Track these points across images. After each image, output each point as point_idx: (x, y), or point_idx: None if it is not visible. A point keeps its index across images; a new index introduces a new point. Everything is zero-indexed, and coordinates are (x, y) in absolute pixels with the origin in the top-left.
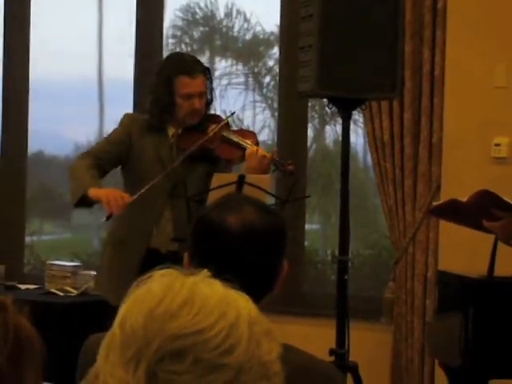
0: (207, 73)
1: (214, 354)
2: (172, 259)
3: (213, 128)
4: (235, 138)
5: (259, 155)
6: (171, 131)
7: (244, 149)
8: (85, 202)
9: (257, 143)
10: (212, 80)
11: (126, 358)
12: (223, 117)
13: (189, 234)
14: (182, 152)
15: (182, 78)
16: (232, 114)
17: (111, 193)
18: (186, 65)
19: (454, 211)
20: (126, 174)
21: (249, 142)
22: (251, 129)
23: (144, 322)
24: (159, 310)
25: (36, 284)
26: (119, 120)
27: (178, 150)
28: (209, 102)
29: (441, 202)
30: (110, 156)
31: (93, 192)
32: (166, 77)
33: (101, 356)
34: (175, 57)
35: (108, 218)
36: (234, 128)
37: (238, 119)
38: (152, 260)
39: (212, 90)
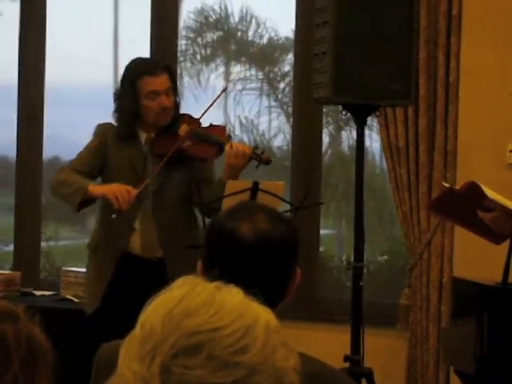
0: (170, 70)
1: (227, 352)
2: (158, 266)
3: (183, 128)
4: (207, 135)
5: (237, 151)
6: (143, 137)
7: (217, 145)
8: (85, 202)
9: (229, 136)
10: (176, 79)
11: (142, 353)
12: (193, 115)
13: (203, 241)
14: (156, 158)
15: (144, 78)
16: (224, 89)
17: (116, 188)
18: (147, 65)
19: (452, 205)
20: (103, 183)
21: (220, 137)
22: (266, 135)
23: (162, 321)
24: (178, 309)
25: (51, 290)
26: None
27: (153, 157)
28: (177, 102)
29: (438, 194)
30: (88, 169)
31: (94, 189)
32: (129, 81)
33: (121, 352)
34: (135, 61)
35: (118, 213)
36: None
37: (253, 124)
38: (136, 267)
39: (177, 89)
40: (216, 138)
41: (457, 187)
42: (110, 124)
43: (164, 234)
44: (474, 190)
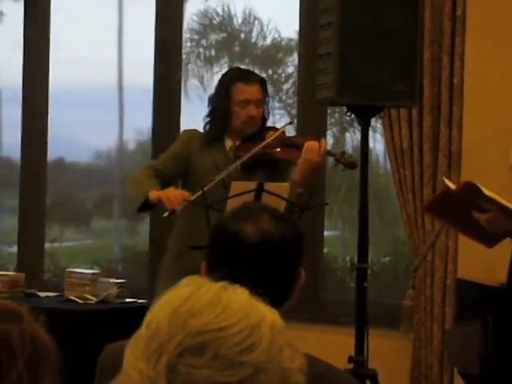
0: (264, 84)
1: (233, 351)
2: None
3: (270, 134)
4: (292, 139)
5: (314, 146)
6: (229, 143)
7: (300, 147)
8: (146, 206)
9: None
10: (268, 94)
11: (148, 352)
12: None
13: (207, 242)
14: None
15: (238, 84)
16: (290, 123)
17: (170, 191)
18: (243, 73)
19: (447, 206)
20: (186, 187)
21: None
22: None
23: (168, 319)
24: (184, 308)
25: (56, 291)
26: (179, 137)
27: (237, 161)
28: (266, 115)
29: (434, 196)
30: (169, 171)
31: (153, 194)
32: (224, 85)
33: (126, 352)
34: (233, 68)
35: (170, 214)
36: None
37: None
38: None
39: (268, 104)
40: (300, 142)
41: (453, 187)
42: (195, 130)
43: None
44: (470, 189)
